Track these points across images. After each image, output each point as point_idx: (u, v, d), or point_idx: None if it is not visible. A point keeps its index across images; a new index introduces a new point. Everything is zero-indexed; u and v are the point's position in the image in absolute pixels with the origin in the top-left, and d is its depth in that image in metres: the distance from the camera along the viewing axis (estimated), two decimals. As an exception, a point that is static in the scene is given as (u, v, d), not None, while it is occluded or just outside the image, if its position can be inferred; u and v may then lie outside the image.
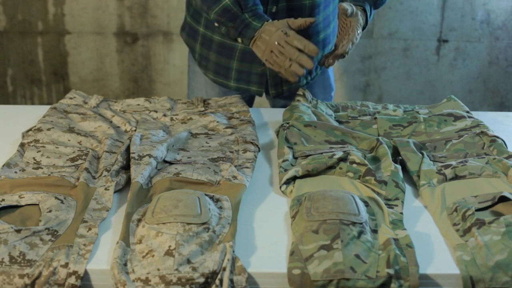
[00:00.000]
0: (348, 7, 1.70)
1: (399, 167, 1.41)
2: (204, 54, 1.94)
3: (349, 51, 1.76)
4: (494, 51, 3.15)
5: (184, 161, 1.45)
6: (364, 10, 1.76)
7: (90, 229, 1.20)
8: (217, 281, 1.07)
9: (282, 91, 1.93)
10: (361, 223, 1.16)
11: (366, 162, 1.40)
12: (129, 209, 1.24)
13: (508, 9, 3.07)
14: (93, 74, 3.20)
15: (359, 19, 1.73)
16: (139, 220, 1.21)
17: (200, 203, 1.21)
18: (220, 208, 1.25)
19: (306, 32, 1.83)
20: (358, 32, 1.73)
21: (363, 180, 1.37)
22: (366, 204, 1.27)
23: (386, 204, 1.29)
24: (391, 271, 1.08)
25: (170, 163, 1.45)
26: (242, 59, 1.88)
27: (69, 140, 1.54)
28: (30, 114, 1.78)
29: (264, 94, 1.95)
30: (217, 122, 1.65)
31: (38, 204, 1.26)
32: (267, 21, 1.65)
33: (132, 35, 3.12)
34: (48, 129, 1.57)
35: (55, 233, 1.17)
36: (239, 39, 1.69)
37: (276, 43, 1.61)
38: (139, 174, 1.34)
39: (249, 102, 2.04)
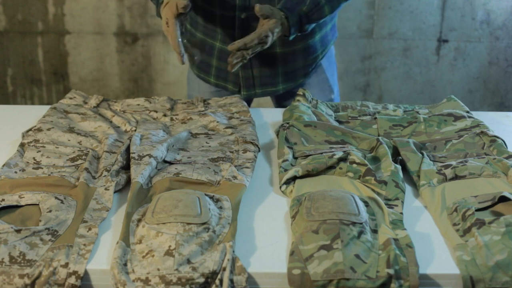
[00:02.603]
0: (264, 8, 1.65)
1: (399, 167, 1.41)
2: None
3: (246, 54, 1.67)
4: (494, 51, 3.15)
5: (184, 161, 1.45)
6: (286, 18, 1.70)
7: (90, 229, 1.20)
8: (217, 281, 1.07)
9: (255, 93, 1.96)
10: (361, 223, 1.16)
11: (366, 162, 1.40)
12: (129, 209, 1.24)
13: (508, 9, 3.07)
14: (93, 74, 3.20)
15: (273, 26, 1.66)
16: (139, 220, 1.21)
17: (200, 203, 1.21)
18: (220, 208, 1.25)
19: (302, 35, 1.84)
20: (265, 36, 1.66)
21: (363, 180, 1.37)
22: (366, 204, 1.27)
23: (386, 204, 1.29)
24: (391, 271, 1.08)
25: (170, 163, 1.45)
26: (220, 58, 1.90)
27: (69, 140, 1.54)
28: (30, 114, 1.78)
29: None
30: (217, 122, 1.65)
31: (38, 204, 1.26)
32: None
33: (132, 35, 3.12)
34: (48, 129, 1.57)
35: (55, 233, 1.17)
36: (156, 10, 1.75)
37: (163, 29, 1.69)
38: (139, 174, 1.34)
39: (247, 102, 2.05)
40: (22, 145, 1.51)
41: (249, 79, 1.92)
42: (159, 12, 1.72)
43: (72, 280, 1.08)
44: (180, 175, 1.36)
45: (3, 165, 1.40)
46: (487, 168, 1.39)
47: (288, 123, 1.59)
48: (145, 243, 1.14)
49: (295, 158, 1.47)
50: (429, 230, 1.24)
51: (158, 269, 1.08)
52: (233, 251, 1.12)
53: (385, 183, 1.34)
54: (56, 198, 1.27)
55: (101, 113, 1.70)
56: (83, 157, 1.46)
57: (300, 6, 1.72)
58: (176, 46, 1.65)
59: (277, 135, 1.61)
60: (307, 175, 1.39)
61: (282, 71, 1.92)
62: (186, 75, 2.19)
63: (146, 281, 1.07)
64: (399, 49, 3.14)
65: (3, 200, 1.26)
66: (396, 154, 1.50)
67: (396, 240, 1.15)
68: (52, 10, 3.08)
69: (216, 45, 1.89)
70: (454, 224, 1.22)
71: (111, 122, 1.67)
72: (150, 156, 1.41)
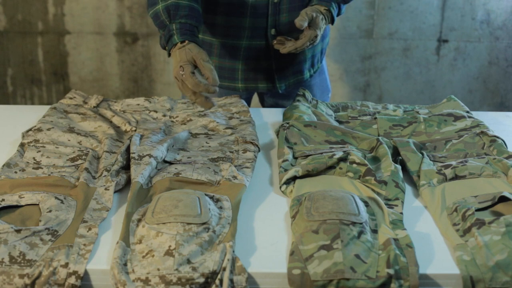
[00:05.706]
0: (304, 22, 1.71)
1: (399, 167, 1.41)
2: None
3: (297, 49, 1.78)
4: (494, 51, 3.15)
5: (184, 161, 1.45)
6: (329, 10, 1.79)
7: (90, 229, 1.20)
8: (217, 281, 1.07)
9: (288, 84, 1.93)
10: (361, 223, 1.17)
11: (366, 162, 1.40)
12: (129, 209, 1.24)
13: (508, 9, 3.07)
14: (93, 74, 3.20)
15: (319, 24, 1.76)
16: (139, 220, 1.21)
17: (200, 203, 1.21)
18: (220, 208, 1.25)
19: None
20: (314, 37, 1.77)
21: (363, 180, 1.37)
22: (366, 204, 1.27)
23: (386, 204, 1.29)
24: (391, 271, 1.08)
25: (170, 163, 1.45)
26: (248, 57, 1.85)
27: (69, 140, 1.54)
28: (30, 114, 1.78)
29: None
30: (217, 122, 1.65)
31: (38, 204, 1.26)
32: (188, 40, 1.55)
33: (132, 35, 3.12)
34: (48, 129, 1.57)
35: (55, 233, 1.17)
36: (166, 48, 1.61)
37: (175, 77, 1.52)
38: (139, 174, 1.34)
39: (248, 101, 2.04)
40: (22, 145, 1.51)
41: (283, 69, 1.89)
42: (169, 50, 1.59)
43: (72, 280, 1.08)
44: (180, 175, 1.36)
45: (3, 165, 1.40)
46: (487, 168, 1.39)
47: (288, 123, 1.59)
48: (145, 243, 1.14)
49: (295, 158, 1.47)
50: (429, 230, 1.24)
51: (158, 269, 1.08)
52: (233, 251, 1.12)
53: (385, 183, 1.34)
54: (56, 198, 1.27)
55: (101, 113, 1.70)
56: (83, 157, 1.46)
57: None
58: (196, 87, 1.48)
59: (277, 135, 1.61)
60: (307, 175, 1.39)
61: (309, 56, 1.93)
62: None
63: (146, 281, 1.07)
64: (399, 49, 3.14)
65: (3, 200, 1.26)
66: (396, 154, 1.50)
67: (396, 240, 1.15)
68: (52, 10, 3.08)
69: (242, 44, 1.83)
70: (454, 224, 1.22)
71: (111, 122, 1.67)
72: (150, 156, 1.41)
